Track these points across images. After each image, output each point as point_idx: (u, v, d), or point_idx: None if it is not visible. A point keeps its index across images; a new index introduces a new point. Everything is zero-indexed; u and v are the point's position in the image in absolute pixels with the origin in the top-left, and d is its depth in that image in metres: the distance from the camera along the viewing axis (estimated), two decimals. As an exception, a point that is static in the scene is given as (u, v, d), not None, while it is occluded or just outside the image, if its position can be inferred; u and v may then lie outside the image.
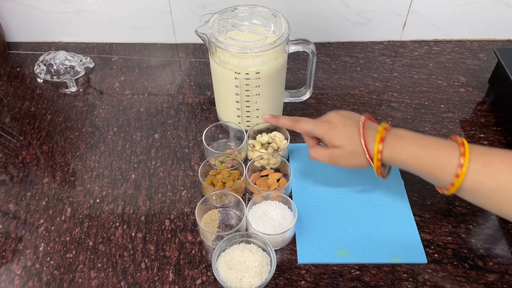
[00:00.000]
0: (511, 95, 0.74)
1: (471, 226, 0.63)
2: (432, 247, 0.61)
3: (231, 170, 0.68)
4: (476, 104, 0.83)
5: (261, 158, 0.69)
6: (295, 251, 0.61)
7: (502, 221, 0.64)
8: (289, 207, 0.63)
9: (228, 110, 0.75)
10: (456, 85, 0.87)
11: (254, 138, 0.73)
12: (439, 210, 0.65)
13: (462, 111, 0.82)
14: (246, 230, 0.62)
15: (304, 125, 0.62)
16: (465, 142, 0.52)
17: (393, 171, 0.70)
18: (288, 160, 0.73)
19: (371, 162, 0.57)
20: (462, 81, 0.88)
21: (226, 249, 0.59)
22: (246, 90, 0.69)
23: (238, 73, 0.67)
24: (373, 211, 0.65)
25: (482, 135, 0.77)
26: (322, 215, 0.65)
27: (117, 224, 0.65)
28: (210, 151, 0.70)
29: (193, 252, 0.61)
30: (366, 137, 0.56)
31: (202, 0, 0.91)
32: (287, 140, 0.71)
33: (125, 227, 0.64)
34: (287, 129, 0.72)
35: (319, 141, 0.64)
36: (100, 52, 0.98)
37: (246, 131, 0.72)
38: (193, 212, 0.66)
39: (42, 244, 0.62)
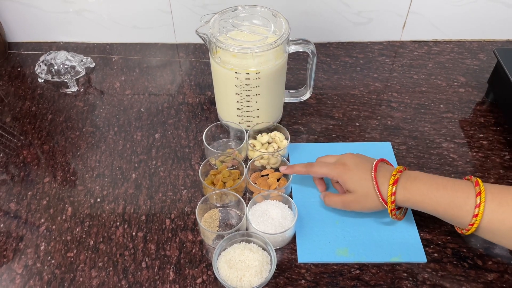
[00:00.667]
0: (510, 95, 0.75)
1: (470, 225, 0.64)
2: (431, 246, 0.61)
3: (232, 169, 0.68)
4: (475, 104, 0.83)
5: (261, 158, 0.70)
6: (295, 250, 0.61)
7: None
8: (289, 207, 0.63)
9: (228, 110, 0.75)
10: (455, 85, 0.88)
11: (255, 138, 0.73)
12: (438, 210, 0.66)
13: (462, 111, 0.82)
14: (247, 229, 0.62)
15: (318, 169, 0.63)
16: (480, 181, 0.52)
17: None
18: (288, 159, 0.73)
19: (385, 205, 0.57)
20: (461, 81, 0.89)
21: (227, 248, 0.59)
22: (246, 90, 0.70)
23: (238, 73, 0.67)
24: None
25: (481, 135, 0.77)
26: (322, 215, 0.65)
27: (118, 223, 0.65)
28: (211, 150, 0.70)
29: (193, 251, 0.61)
30: (378, 179, 0.57)
31: (203, 0, 0.91)
32: (287, 139, 0.71)
33: (125, 226, 0.64)
34: (287, 130, 0.72)
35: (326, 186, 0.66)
36: (101, 52, 0.98)
37: (247, 130, 0.72)
38: (194, 211, 0.66)
39: (43, 243, 0.63)
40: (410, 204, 0.56)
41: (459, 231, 0.56)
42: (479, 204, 0.51)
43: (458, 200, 0.53)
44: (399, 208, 0.59)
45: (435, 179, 0.56)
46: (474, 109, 0.82)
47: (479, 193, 0.51)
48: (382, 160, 0.61)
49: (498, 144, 0.75)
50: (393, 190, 0.56)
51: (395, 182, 0.56)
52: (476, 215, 0.51)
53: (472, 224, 0.51)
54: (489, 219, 0.51)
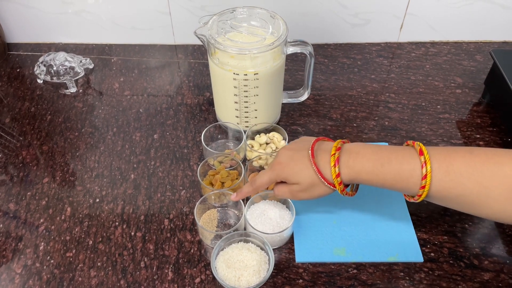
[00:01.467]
0: (507, 96, 0.75)
1: (466, 225, 0.64)
2: (428, 246, 0.62)
3: (230, 170, 0.69)
4: (472, 105, 0.84)
5: (260, 158, 0.70)
6: (293, 250, 0.61)
7: (498, 221, 0.65)
8: (287, 207, 0.64)
9: (226, 111, 0.75)
10: (452, 86, 0.88)
11: (253, 139, 0.74)
12: (435, 210, 0.66)
13: (458, 112, 0.82)
14: (245, 229, 0.63)
15: (260, 182, 0.59)
16: (424, 149, 0.50)
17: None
18: (286, 160, 0.73)
19: (333, 187, 0.55)
20: (458, 82, 0.89)
21: (225, 248, 0.60)
22: (244, 91, 0.70)
23: (236, 74, 0.68)
24: (370, 211, 0.66)
25: (478, 136, 0.78)
26: (320, 215, 0.65)
27: (117, 223, 0.65)
28: (209, 151, 0.70)
29: (192, 251, 0.62)
30: (318, 165, 0.54)
31: (201, 2, 0.92)
32: (285, 140, 0.72)
33: (124, 226, 0.65)
34: (285, 131, 0.72)
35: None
36: (100, 53, 0.98)
37: (245, 131, 0.72)
38: (192, 211, 0.66)
39: (42, 243, 0.63)
40: (357, 182, 0.55)
41: (408, 199, 0.54)
42: (425, 175, 0.49)
43: (404, 173, 0.51)
44: (347, 185, 0.57)
45: (378, 152, 0.53)
46: (471, 110, 0.83)
47: (424, 163, 0.49)
48: (319, 139, 0.57)
49: (494, 144, 0.76)
50: (337, 171, 0.53)
51: (337, 162, 0.53)
52: (424, 187, 0.49)
53: (420, 195, 0.51)
54: (436, 188, 0.49)
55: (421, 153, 0.50)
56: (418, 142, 0.52)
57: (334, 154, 0.54)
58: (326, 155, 0.54)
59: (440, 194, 0.50)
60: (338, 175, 0.53)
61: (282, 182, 0.59)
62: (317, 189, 0.56)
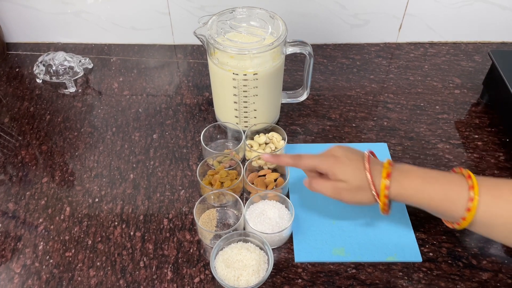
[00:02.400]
0: (505, 97, 0.75)
1: (465, 225, 0.64)
2: (427, 246, 0.62)
3: (229, 170, 0.69)
4: (470, 106, 0.84)
5: (259, 158, 0.70)
6: (292, 250, 0.61)
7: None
8: (286, 207, 0.64)
9: (226, 111, 0.75)
10: (451, 86, 0.89)
11: (252, 139, 0.74)
12: (434, 210, 0.66)
13: (457, 112, 0.83)
14: (244, 229, 0.63)
15: (307, 161, 0.59)
16: (472, 174, 0.51)
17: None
18: (285, 160, 0.73)
19: (377, 199, 0.55)
20: (457, 83, 0.89)
21: (224, 247, 0.60)
22: (244, 91, 0.70)
23: (236, 74, 0.68)
24: (369, 211, 0.66)
25: (476, 136, 0.78)
26: (319, 215, 0.65)
27: (116, 223, 0.65)
28: (208, 151, 0.71)
29: (191, 250, 0.62)
30: (372, 172, 0.55)
31: (201, 2, 0.92)
32: (285, 140, 0.72)
33: (124, 226, 0.65)
34: (284, 131, 0.73)
35: (321, 175, 0.60)
36: (99, 53, 0.98)
37: (244, 131, 0.72)
38: (191, 211, 0.66)
39: (42, 243, 0.63)
40: (402, 199, 0.55)
41: (450, 226, 0.54)
42: (473, 198, 0.49)
43: (452, 194, 0.51)
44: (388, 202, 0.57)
45: (427, 172, 0.54)
46: (469, 110, 0.83)
47: (472, 187, 0.50)
48: (371, 152, 0.59)
49: (493, 145, 0.76)
50: (387, 183, 0.53)
51: (388, 175, 0.54)
52: (470, 209, 0.49)
53: (465, 218, 0.50)
54: (483, 213, 0.49)
55: (469, 177, 0.51)
56: (467, 169, 0.53)
57: (387, 167, 0.55)
58: (379, 167, 0.56)
59: (485, 219, 0.50)
60: (387, 187, 0.54)
61: (320, 175, 0.59)
62: (362, 194, 0.56)
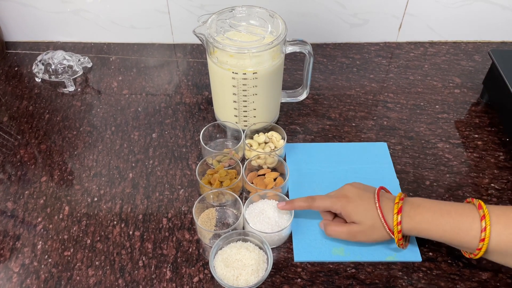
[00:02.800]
0: (505, 96, 0.75)
1: (465, 225, 0.64)
2: (426, 245, 0.62)
3: (229, 169, 0.69)
4: (470, 105, 0.84)
5: (258, 158, 0.70)
6: (292, 249, 0.61)
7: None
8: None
9: (225, 110, 0.75)
10: (451, 86, 0.88)
11: (251, 138, 0.74)
12: (433, 209, 0.66)
13: (457, 112, 0.83)
14: (243, 228, 0.63)
15: (320, 203, 0.60)
16: (482, 204, 0.52)
17: (388, 171, 0.71)
18: (284, 159, 0.73)
19: (392, 235, 0.56)
20: (457, 82, 0.89)
21: (223, 247, 0.60)
22: (243, 90, 0.70)
23: (235, 73, 0.68)
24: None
25: (476, 136, 0.78)
26: (318, 214, 0.65)
27: (115, 222, 0.65)
28: (208, 150, 0.70)
29: (190, 250, 0.61)
30: (383, 209, 0.56)
31: (200, 1, 0.92)
32: (284, 139, 0.72)
33: (122, 225, 0.65)
34: (284, 130, 0.72)
35: (334, 215, 0.62)
36: (98, 51, 0.98)
37: (243, 130, 0.72)
38: (191, 210, 0.66)
39: (40, 242, 0.63)
40: (415, 233, 0.56)
41: (467, 256, 0.55)
42: (485, 228, 0.50)
43: (464, 226, 0.52)
44: (403, 236, 0.57)
45: (438, 205, 0.55)
46: (469, 110, 0.83)
47: (483, 217, 0.50)
48: (382, 188, 0.60)
49: (492, 144, 0.76)
50: (399, 219, 0.55)
51: (399, 211, 0.55)
52: (483, 239, 0.50)
53: (480, 249, 0.51)
54: (497, 242, 0.50)
55: (479, 207, 0.52)
56: (477, 199, 0.53)
57: (398, 202, 0.56)
58: (390, 203, 0.57)
59: (499, 248, 0.50)
60: (399, 223, 0.55)
61: (335, 217, 0.62)
62: (376, 232, 0.57)
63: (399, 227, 0.55)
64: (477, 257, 0.52)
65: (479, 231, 0.50)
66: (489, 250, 0.51)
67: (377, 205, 0.56)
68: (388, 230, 0.56)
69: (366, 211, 0.57)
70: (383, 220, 0.56)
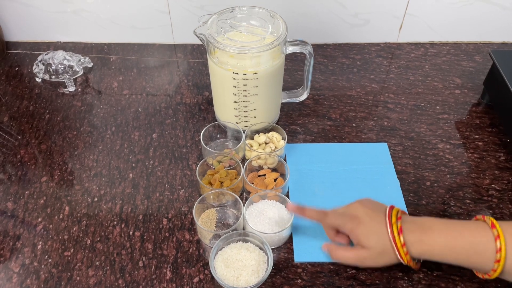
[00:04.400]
0: (506, 97, 0.75)
1: (465, 225, 0.64)
2: (427, 246, 0.61)
3: (229, 169, 0.69)
4: (471, 106, 0.84)
5: (259, 158, 0.70)
6: (292, 250, 0.61)
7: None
8: (286, 206, 0.63)
9: (226, 110, 0.75)
10: (451, 86, 0.88)
11: (252, 138, 0.74)
12: (434, 210, 0.66)
13: (457, 113, 0.82)
14: (243, 229, 0.62)
15: (331, 220, 0.58)
16: (495, 222, 0.50)
17: (388, 171, 0.71)
18: (285, 160, 0.73)
19: (402, 260, 0.54)
20: (457, 83, 0.89)
21: (224, 247, 0.60)
22: (244, 91, 0.70)
23: (236, 73, 0.67)
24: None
25: (477, 136, 0.78)
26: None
27: (115, 222, 0.65)
28: (208, 150, 0.70)
29: (190, 250, 0.61)
30: (394, 232, 0.53)
31: (201, 1, 0.92)
32: (284, 140, 0.72)
33: (123, 225, 0.64)
34: (284, 131, 0.72)
35: (338, 231, 0.60)
36: (99, 52, 0.98)
37: (244, 131, 0.72)
38: (191, 211, 0.66)
39: (40, 243, 0.63)
40: (427, 257, 0.54)
41: (482, 277, 0.53)
42: (500, 248, 0.48)
43: (478, 247, 0.50)
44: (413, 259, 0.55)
45: (450, 225, 0.53)
46: (470, 111, 0.83)
47: (498, 237, 0.49)
48: (392, 207, 0.57)
49: (493, 145, 0.76)
50: (402, 241, 0.52)
51: (400, 230, 0.53)
52: (499, 260, 0.48)
53: (495, 270, 0.49)
54: None
55: (493, 226, 0.50)
56: (488, 216, 0.52)
57: (396, 222, 0.53)
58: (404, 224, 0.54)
59: None
60: (403, 245, 0.53)
61: (337, 234, 0.59)
62: (385, 257, 0.55)
63: (404, 248, 0.53)
64: (492, 277, 0.50)
65: (495, 252, 0.49)
66: (505, 270, 0.49)
67: (388, 229, 0.53)
68: (398, 254, 0.53)
69: (376, 235, 0.54)
70: (394, 243, 0.53)
